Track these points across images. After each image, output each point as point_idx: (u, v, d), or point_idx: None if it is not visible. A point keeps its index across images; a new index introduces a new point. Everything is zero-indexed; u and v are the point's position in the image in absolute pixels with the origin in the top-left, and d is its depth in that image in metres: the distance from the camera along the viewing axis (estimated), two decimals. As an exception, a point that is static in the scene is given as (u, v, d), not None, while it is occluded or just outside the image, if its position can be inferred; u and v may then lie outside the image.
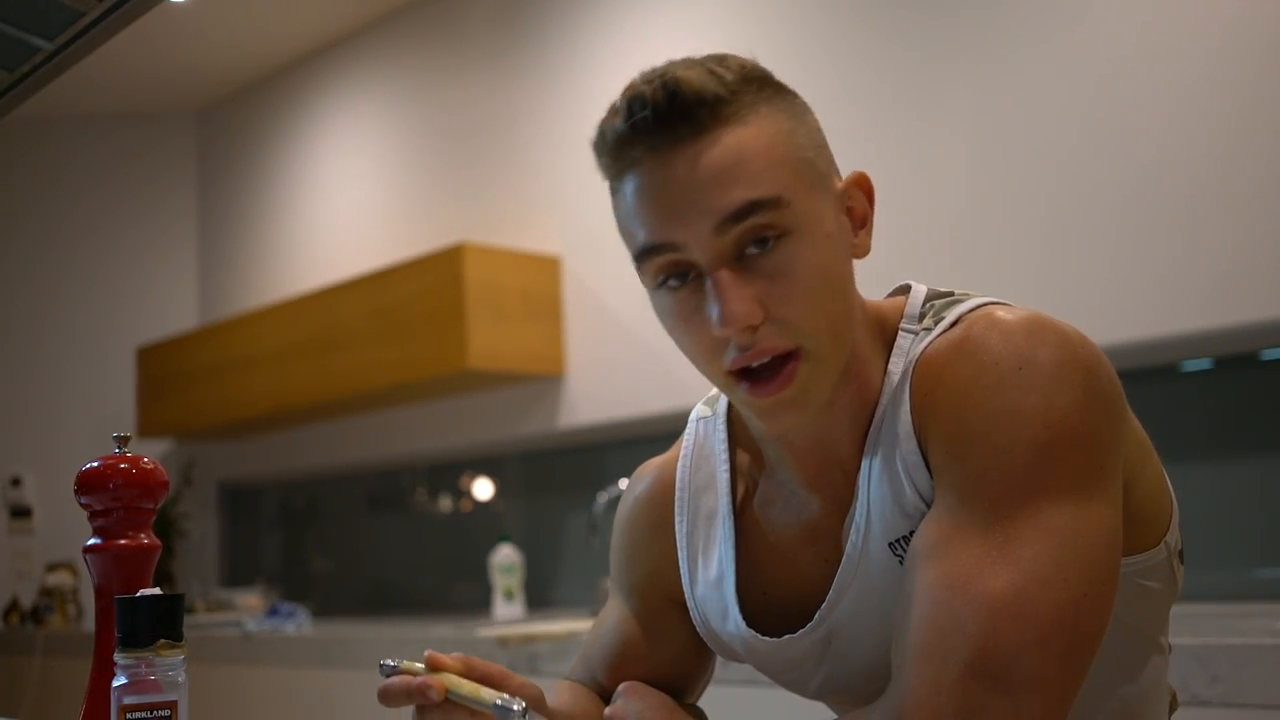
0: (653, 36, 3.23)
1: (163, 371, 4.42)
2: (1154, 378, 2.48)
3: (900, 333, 0.98)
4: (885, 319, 0.99)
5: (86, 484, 1.04)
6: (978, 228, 2.60)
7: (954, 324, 0.95)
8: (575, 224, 3.48)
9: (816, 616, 0.98)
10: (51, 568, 4.49)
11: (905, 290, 1.02)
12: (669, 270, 0.91)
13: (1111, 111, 2.41)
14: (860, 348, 0.96)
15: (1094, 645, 0.84)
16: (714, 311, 0.88)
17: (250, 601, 4.04)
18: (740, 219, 0.88)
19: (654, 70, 0.91)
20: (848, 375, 0.95)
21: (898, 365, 0.96)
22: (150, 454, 1.20)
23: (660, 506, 1.13)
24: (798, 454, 1.00)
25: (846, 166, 0.99)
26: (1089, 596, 0.83)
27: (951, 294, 0.99)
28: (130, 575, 1.03)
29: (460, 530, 4.08)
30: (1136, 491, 0.94)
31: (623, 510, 1.18)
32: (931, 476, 0.91)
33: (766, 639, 1.02)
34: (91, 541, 1.04)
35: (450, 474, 4.13)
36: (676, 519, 1.11)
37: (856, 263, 0.97)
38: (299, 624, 3.57)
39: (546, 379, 3.50)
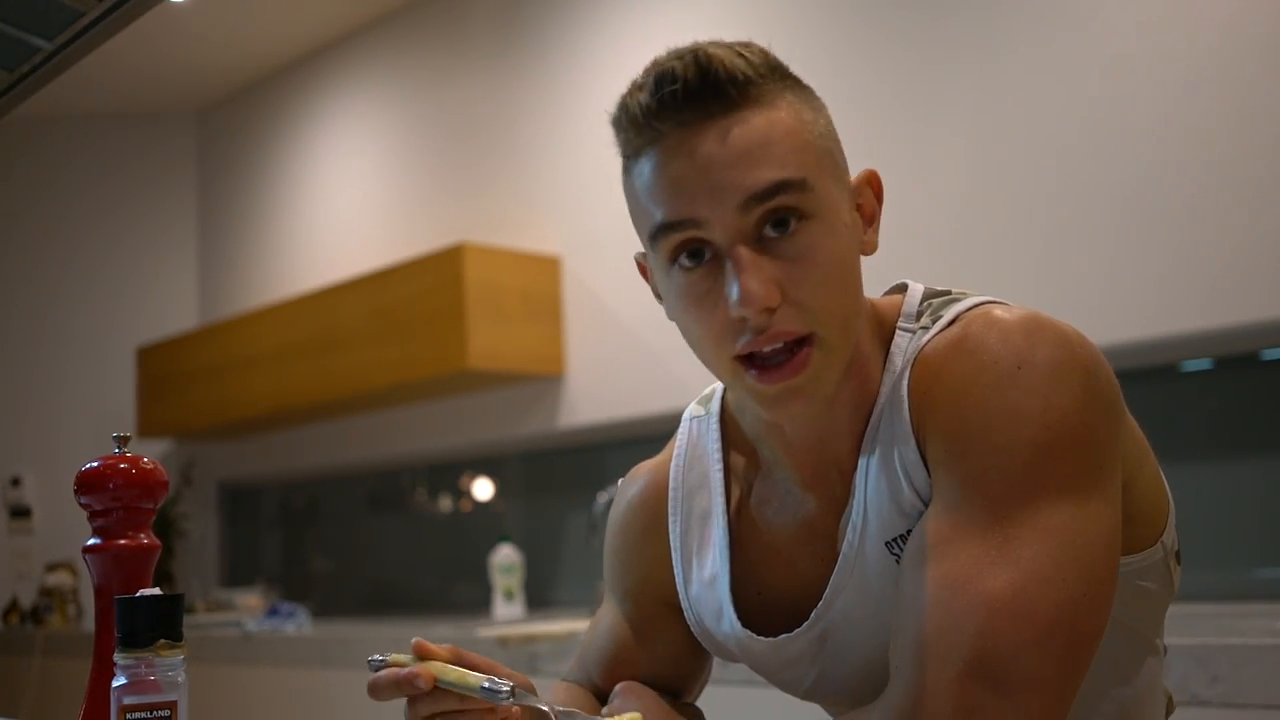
0: (653, 37, 3.22)
1: (163, 371, 4.42)
2: (1154, 378, 2.48)
3: (898, 331, 0.98)
4: (882, 317, 0.99)
5: (86, 484, 1.04)
6: (978, 228, 2.60)
7: (952, 322, 0.94)
8: (575, 224, 3.47)
9: (812, 615, 0.98)
10: (51, 568, 4.49)
11: (902, 289, 1.02)
12: (684, 249, 0.90)
13: (1111, 111, 2.41)
14: (861, 345, 0.96)
15: (1093, 645, 0.84)
16: (733, 290, 0.87)
17: (250, 601, 4.04)
18: (766, 198, 0.87)
19: (682, 48, 0.90)
20: (848, 372, 0.95)
21: (896, 364, 0.96)
22: (150, 454, 1.20)
23: (653, 510, 1.12)
24: (794, 452, 1.00)
25: (848, 166, 0.99)
26: (1088, 596, 0.83)
27: (948, 293, 0.99)
28: (130, 575, 1.03)
29: (460, 530, 4.08)
30: (1134, 491, 0.94)
31: (615, 514, 1.17)
32: (929, 475, 0.91)
33: (762, 639, 1.02)
34: (91, 541, 1.04)
35: (450, 474, 4.13)
36: (670, 519, 1.10)
37: None
38: (299, 624, 3.57)
39: (546, 379, 3.50)
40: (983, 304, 0.96)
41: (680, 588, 1.10)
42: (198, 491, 4.83)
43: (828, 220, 0.90)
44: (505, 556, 3.45)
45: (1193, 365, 2.46)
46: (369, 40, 4.28)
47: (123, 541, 1.03)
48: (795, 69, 0.95)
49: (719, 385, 1.13)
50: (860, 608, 0.96)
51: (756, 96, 0.89)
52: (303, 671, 3.19)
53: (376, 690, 0.91)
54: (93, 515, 1.04)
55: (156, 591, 0.89)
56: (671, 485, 1.11)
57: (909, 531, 0.91)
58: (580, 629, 2.70)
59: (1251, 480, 2.35)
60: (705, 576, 1.07)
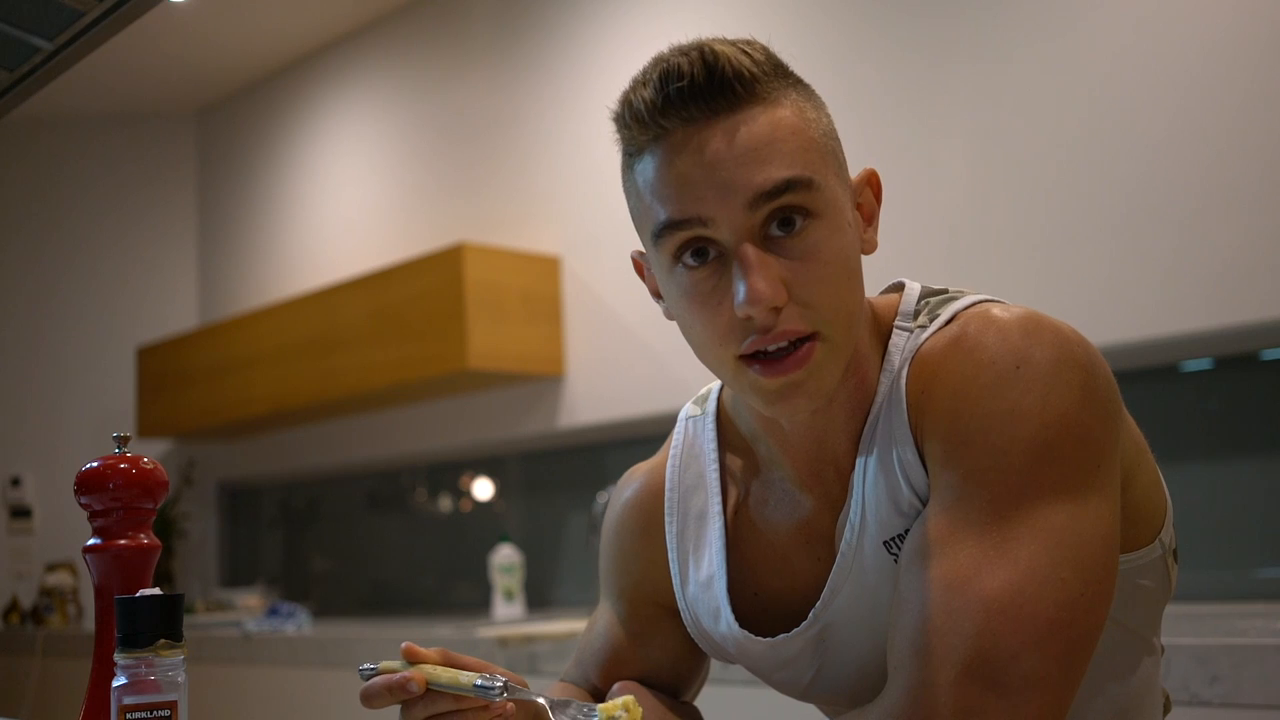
0: (653, 37, 3.23)
1: (163, 371, 4.42)
2: (1154, 378, 2.48)
3: (895, 330, 0.97)
4: (879, 316, 0.99)
5: (86, 484, 1.04)
6: (978, 228, 2.60)
7: (949, 321, 0.94)
8: (575, 224, 3.48)
9: (810, 615, 0.98)
10: (51, 568, 4.49)
11: (899, 287, 1.02)
12: (689, 247, 0.89)
13: (1111, 112, 2.41)
14: (860, 344, 0.96)
15: (1092, 645, 0.83)
16: (740, 289, 0.86)
17: (250, 601, 4.04)
18: (774, 197, 0.87)
19: (686, 44, 0.90)
20: (847, 370, 0.95)
21: (893, 362, 0.96)
22: (150, 454, 1.21)
23: (648, 512, 1.12)
24: (792, 451, 1.00)
25: (848, 166, 0.99)
26: (1086, 596, 0.83)
27: (945, 291, 0.99)
28: (130, 575, 1.03)
29: (460, 530, 4.08)
30: (1132, 489, 0.94)
31: (610, 517, 1.17)
32: (928, 475, 0.91)
33: (759, 639, 1.02)
34: (91, 541, 1.04)
35: (450, 474, 4.13)
36: (667, 520, 1.10)
37: None
38: (299, 624, 3.57)
39: (546, 379, 3.50)
40: (980, 302, 0.96)
41: (677, 589, 1.09)
42: (198, 491, 4.83)
43: (833, 219, 0.90)
44: (505, 556, 3.45)
45: (1193, 365, 2.46)
46: (369, 40, 4.29)
47: (123, 541, 1.03)
48: (795, 69, 0.95)
49: (715, 385, 1.12)
50: (858, 607, 0.96)
51: (762, 95, 0.89)
52: (303, 671, 3.19)
53: (370, 698, 0.91)
54: (93, 515, 1.04)
55: (156, 591, 0.89)
56: (668, 486, 1.10)
57: (907, 531, 0.91)
58: (580, 629, 2.70)
59: (1251, 480, 2.35)
60: (702, 577, 1.07)
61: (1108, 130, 2.41)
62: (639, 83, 0.91)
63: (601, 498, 3.15)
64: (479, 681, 0.89)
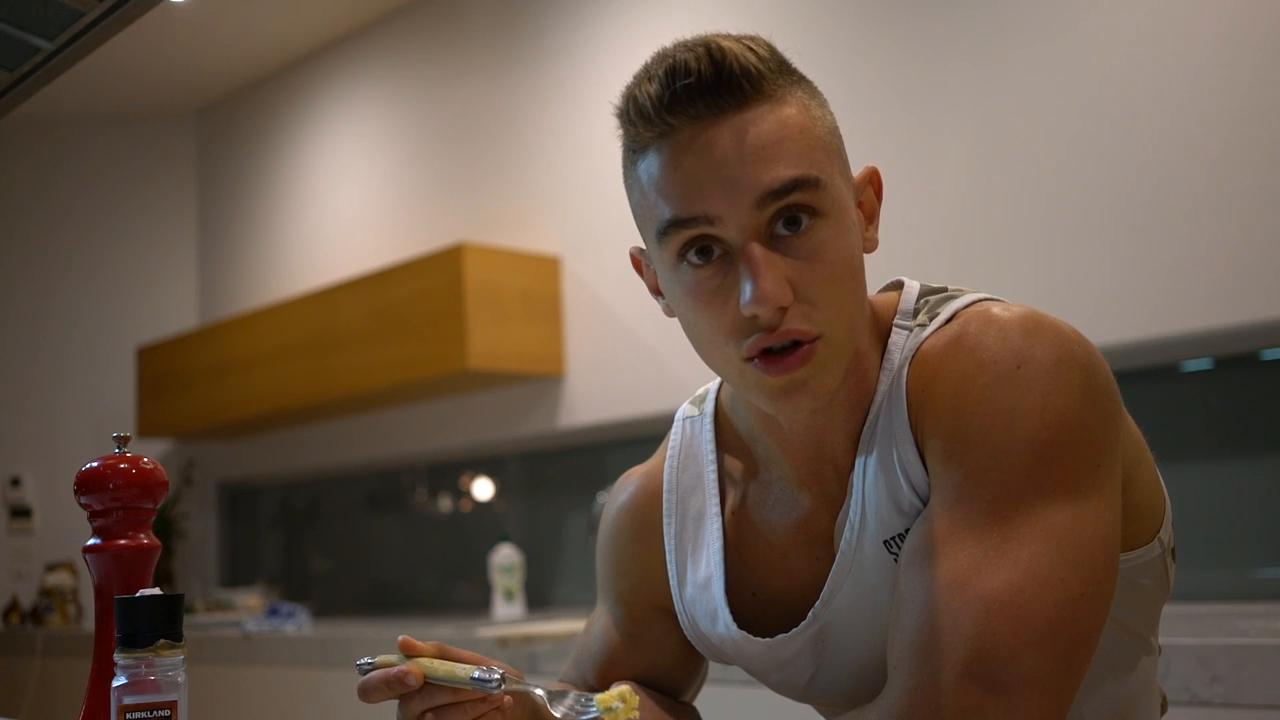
0: (653, 37, 3.21)
1: (163, 371, 4.42)
2: (1154, 378, 2.48)
3: (894, 329, 0.97)
4: (879, 314, 0.99)
5: (86, 484, 1.04)
6: (978, 228, 2.60)
7: (949, 320, 0.94)
8: (575, 224, 3.48)
9: (810, 615, 0.98)
10: (51, 568, 4.49)
11: (898, 286, 1.02)
12: (693, 245, 0.89)
13: (1111, 111, 2.41)
14: (860, 342, 0.96)
15: (1092, 645, 0.83)
16: (747, 289, 0.86)
17: (250, 601, 4.04)
18: (781, 195, 0.87)
19: (691, 40, 0.89)
20: (848, 369, 0.95)
21: (893, 361, 0.96)
22: (150, 454, 1.21)
23: (644, 514, 1.12)
24: (791, 450, 0.99)
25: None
26: (1086, 596, 0.82)
27: (945, 290, 0.99)
28: (130, 575, 1.03)
29: (460, 530, 4.08)
30: (1132, 489, 0.94)
31: (606, 520, 1.17)
32: (928, 474, 0.90)
33: (757, 639, 1.01)
34: (91, 541, 1.04)
35: (450, 474, 4.13)
36: (665, 521, 1.10)
37: None
38: (299, 624, 3.57)
39: (546, 379, 3.50)
40: (980, 301, 0.96)
41: (674, 590, 1.09)
42: (198, 491, 4.83)
43: (838, 218, 0.90)
44: (505, 556, 3.45)
45: (1193, 365, 2.46)
46: (369, 40, 4.29)
47: (123, 541, 1.03)
48: (796, 66, 0.95)
49: (712, 385, 1.12)
50: (858, 607, 0.96)
51: (769, 92, 0.89)
52: (303, 671, 3.19)
53: (367, 692, 0.91)
54: (93, 515, 1.04)
55: (156, 591, 0.89)
56: (666, 487, 1.10)
57: (907, 530, 0.91)
58: (580, 629, 2.70)
59: (1251, 480, 2.35)
60: (700, 578, 1.06)
61: (1107, 130, 2.41)
62: (644, 78, 0.90)
63: (601, 498, 3.15)
64: (476, 674, 0.89)
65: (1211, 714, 1.64)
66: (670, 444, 1.12)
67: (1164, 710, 1.10)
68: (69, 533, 4.38)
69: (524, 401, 3.59)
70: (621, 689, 0.90)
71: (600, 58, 3.44)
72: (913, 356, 0.94)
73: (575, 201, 3.47)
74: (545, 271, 3.47)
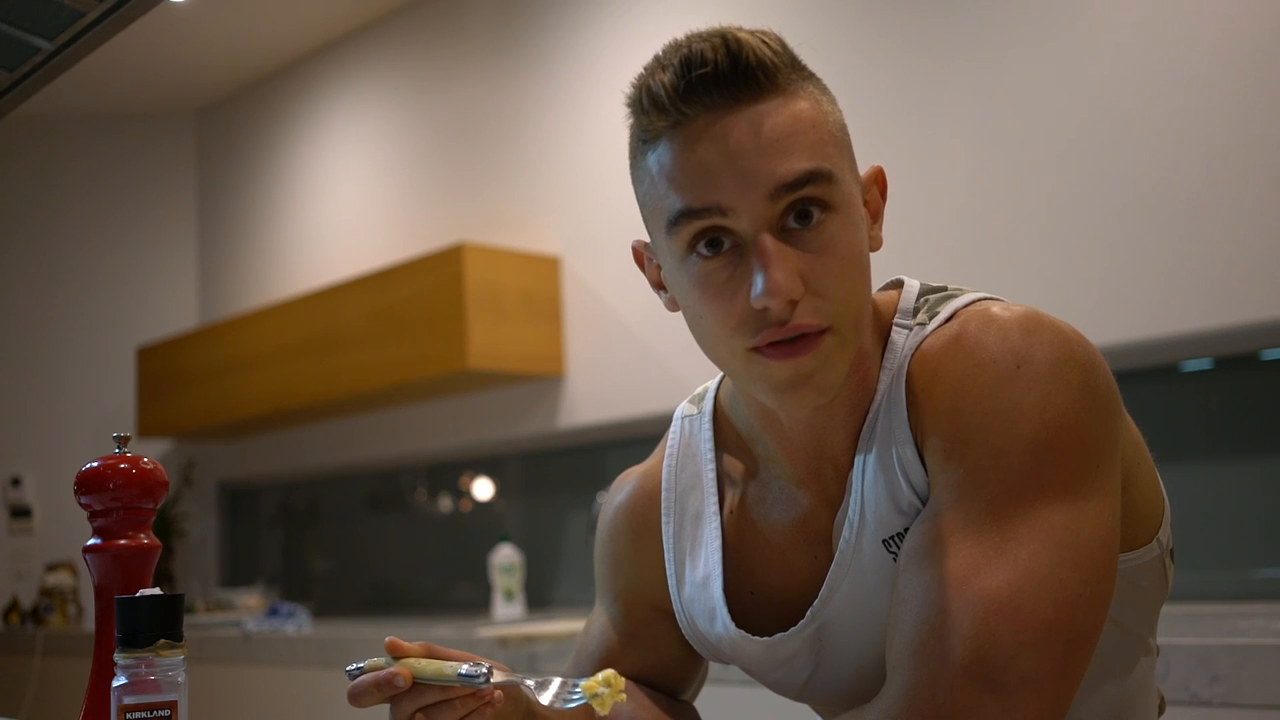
0: (653, 37, 3.22)
1: (163, 371, 4.42)
2: (1153, 378, 2.48)
3: (894, 327, 0.97)
4: (879, 313, 0.99)
5: (86, 484, 1.04)
6: (978, 227, 2.60)
7: (949, 319, 0.94)
8: (575, 224, 3.47)
9: (809, 614, 0.98)
10: (51, 568, 4.49)
11: (897, 284, 1.02)
12: (704, 236, 0.88)
13: (1111, 111, 2.41)
14: (863, 341, 0.96)
15: (1090, 645, 0.83)
16: (758, 281, 0.86)
17: (250, 601, 4.04)
18: (795, 188, 0.87)
19: (706, 31, 0.89)
20: (849, 367, 0.94)
21: (893, 360, 0.95)
22: (150, 454, 1.21)
23: (642, 514, 1.12)
24: (791, 448, 0.99)
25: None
26: (1085, 597, 0.82)
27: (945, 289, 0.99)
28: (130, 575, 1.03)
29: (460, 530, 4.08)
30: (1131, 489, 0.94)
31: (604, 520, 1.17)
32: (927, 473, 0.90)
33: (756, 639, 1.01)
34: (91, 541, 1.04)
35: (450, 474, 4.13)
36: (663, 520, 1.10)
37: None
38: (299, 624, 3.57)
39: (546, 379, 3.50)
40: (979, 300, 0.96)
41: (673, 590, 1.09)
42: (198, 491, 4.83)
43: (848, 214, 0.90)
44: (505, 556, 3.45)
45: (1193, 365, 2.46)
46: (369, 40, 4.29)
47: (123, 541, 1.03)
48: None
49: (711, 384, 1.12)
50: (856, 606, 0.96)
51: (783, 85, 0.89)
52: (302, 671, 3.19)
53: (357, 696, 0.91)
54: (93, 515, 1.04)
55: (156, 591, 0.89)
56: (664, 487, 1.10)
57: (906, 529, 0.91)
58: (580, 629, 2.70)
59: (1251, 480, 2.35)
60: (698, 578, 1.06)
61: (1107, 130, 2.41)
62: (658, 67, 0.90)
63: (601, 498, 3.14)
64: (464, 670, 0.89)
65: (1211, 714, 1.64)
66: (669, 443, 1.12)
67: (1161, 711, 1.10)
68: (69, 533, 4.38)
69: (524, 401, 3.59)
70: (606, 673, 0.89)
71: (600, 58, 3.44)
72: (912, 355, 0.94)
73: (575, 201, 3.47)
74: (545, 271, 3.47)
